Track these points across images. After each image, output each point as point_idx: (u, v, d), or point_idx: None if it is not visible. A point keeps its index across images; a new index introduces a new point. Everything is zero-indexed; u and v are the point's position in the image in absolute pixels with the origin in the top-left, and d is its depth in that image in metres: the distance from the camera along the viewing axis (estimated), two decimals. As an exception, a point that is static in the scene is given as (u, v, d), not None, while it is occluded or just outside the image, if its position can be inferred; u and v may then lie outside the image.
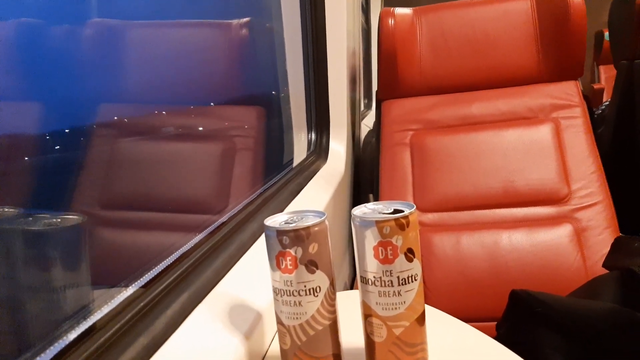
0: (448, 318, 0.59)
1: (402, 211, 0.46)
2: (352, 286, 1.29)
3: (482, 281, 1.11)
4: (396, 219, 0.44)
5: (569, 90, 1.37)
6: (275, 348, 0.55)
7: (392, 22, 1.43)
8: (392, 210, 0.47)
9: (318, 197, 1.04)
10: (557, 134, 1.30)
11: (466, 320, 0.60)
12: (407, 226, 0.45)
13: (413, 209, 0.46)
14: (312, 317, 0.46)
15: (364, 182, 1.62)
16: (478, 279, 1.12)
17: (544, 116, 1.34)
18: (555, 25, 1.37)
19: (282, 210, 0.86)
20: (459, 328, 0.58)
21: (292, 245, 0.45)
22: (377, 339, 0.47)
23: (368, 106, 2.81)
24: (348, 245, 1.35)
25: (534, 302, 0.90)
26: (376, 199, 1.38)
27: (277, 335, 0.57)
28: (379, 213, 0.46)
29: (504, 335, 0.93)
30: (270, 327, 0.56)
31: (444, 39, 1.43)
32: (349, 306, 0.50)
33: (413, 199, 1.28)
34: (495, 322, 0.98)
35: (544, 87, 1.38)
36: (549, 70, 1.39)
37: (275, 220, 0.48)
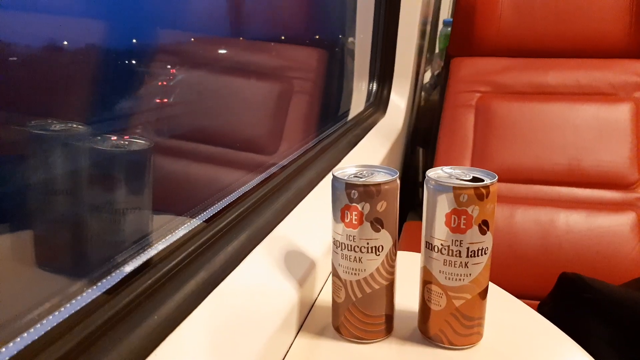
0: (503, 294, 0.57)
1: (482, 180, 0.43)
2: None
3: (531, 258, 1.08)
4: (476, 188, 0.42)
5: (658, 70, 1.26)
6: (323, 298, 0.55)
7: None
8: (470, 177, 0.44)
9: (374, 150, 1.01)
10: (637, 115, 1.20)
11: None
12: (487, 197, 0.42)
13: (495, 179, 0.43)
14: (371, 275, 0.45)
15: (418, 140, 1.57)
16: (527, 255, 1.08)
17: (625, 95, 1.24)
18: None
19: (338, 161, 0.84)
20: (514, 305, 0.56)
21: (360, 200, 0.44)
22: (434, 307, 0.46)
23: (429, 60, 2.70)
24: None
25: (585, 288, 0.86)
26: (430, 159, 1.34)
27: (326, 286, 0.57)
28: (456, 179, 0.44)
29: (546, 316, 0.91)
30: (321, 277, 0.56)
31: None
32: (403, 269, 0.49)
33: (470, 164, 1.23)
34: (537, 301, 0.96)
35: (631, 63, 1.27)
36: (640, 46, 1.27)
37: (344, 172, 0.46)
